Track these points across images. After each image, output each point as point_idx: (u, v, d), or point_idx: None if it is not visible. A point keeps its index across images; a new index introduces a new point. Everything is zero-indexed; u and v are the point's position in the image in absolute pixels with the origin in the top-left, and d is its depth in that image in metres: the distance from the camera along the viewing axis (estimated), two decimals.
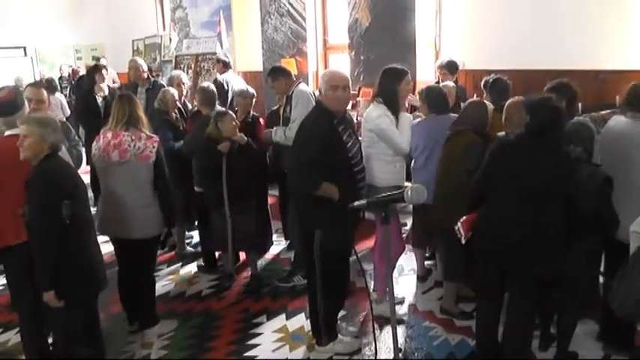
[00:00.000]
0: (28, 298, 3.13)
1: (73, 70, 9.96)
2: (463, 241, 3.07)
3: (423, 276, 4.45)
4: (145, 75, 5.90)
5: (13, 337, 3.85)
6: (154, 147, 3.50)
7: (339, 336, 3.54)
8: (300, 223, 3.45)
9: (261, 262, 4.78)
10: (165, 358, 3.57)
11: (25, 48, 11.07)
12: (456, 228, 3.09)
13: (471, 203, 3.10)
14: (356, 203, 2.28)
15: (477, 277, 3.24)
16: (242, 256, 4.85)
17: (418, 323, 3.85)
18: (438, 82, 5.17)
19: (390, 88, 3.67)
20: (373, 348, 3.50)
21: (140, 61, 6.04)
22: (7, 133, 3.12)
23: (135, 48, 10.41)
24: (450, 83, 5.04)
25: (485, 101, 3.90)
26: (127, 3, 10.76)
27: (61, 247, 2.75)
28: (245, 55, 7.91)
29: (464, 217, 3.08)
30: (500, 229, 2.88)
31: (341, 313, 3.71)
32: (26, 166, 2.96)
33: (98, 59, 9.89)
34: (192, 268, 4.92)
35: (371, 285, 4.20)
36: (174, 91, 5.04)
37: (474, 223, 3.03)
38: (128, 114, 3.51)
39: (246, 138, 4.25)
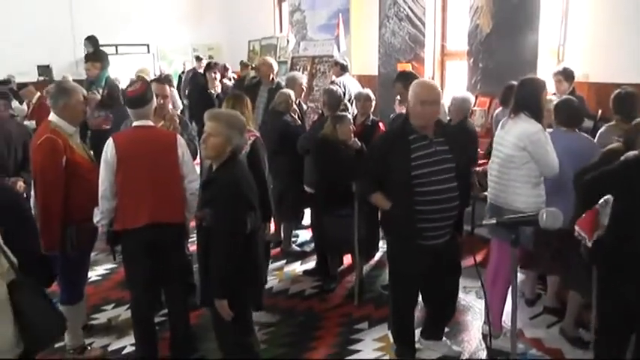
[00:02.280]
0: (140, 282, 3.35)
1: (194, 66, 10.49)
2: (589, 244, 2.81)
3: (532, 300, 4.25)
4: (272, 76, 6.11)
5: (123, 313, 4.18)
6: (249, 140, 3.62)
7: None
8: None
9: (365, 268, 4.80)
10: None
11: (148, 45, 12.04)
12: (576, 232, 2.86)
13: (583, 203, 2.89)
14: (484, 222, 2.20)
15: (604, 299, 2.92)
16: (345, 259, 4.90)
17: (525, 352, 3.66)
18: (572, 93, 4.83)
19: (535, 101, 3.38)
20: None
21: (272, 60, 6.28)
22: (135, 124, 3.38)
23: (251, 48, 10.87)
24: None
25: None
26: (245, 5, 11.29)
27: (239, 260, 2.74)
28: (361, 58, 7.97)
29: (582, 218, 2.85)
30: None
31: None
32: (157, 154, 3.22)
33: (200, 59, 10.48)
34: (295, 266, 5.07)
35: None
36: (291, 92, 5.17)
37: (594, 223, 2.78)
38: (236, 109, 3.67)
39: (360, 144, 4.30)
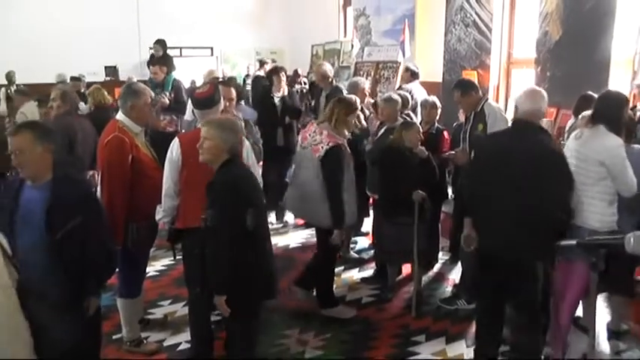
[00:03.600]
0: (198, 282, 3.37)
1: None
2: None
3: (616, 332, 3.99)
4: (330, 80, 6.16)
5: (179, 309, 4.27)
6: (327, 145, 3.76)
7: None
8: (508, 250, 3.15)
9: (424, 279, 4.73)
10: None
11: (212, 48, 12.34)
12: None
13: None
14: (562, 242, 2.08)
15: None
16: (405, 269, 4.83)
17: None
18: (634, 108, 4.59)
19: (617, 115, 3.25)
20: None
21: (328, 66, 6.36)
22: (200, 125, 3.41)
23: (314, 53, 10.93)
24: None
25: None
26: (309, 10, 11.38)
27: (241, 256, 2.84)
28: (425, 65, 7.86)
29: None
30: None
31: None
32: None
33: (263, 63, 10.58)
34: (353, 273, 5.04)
35: None
36: (355, 97, 5.14)
37: None
38: (334, 114, 3.94)
39: (426, 153, 4.26)
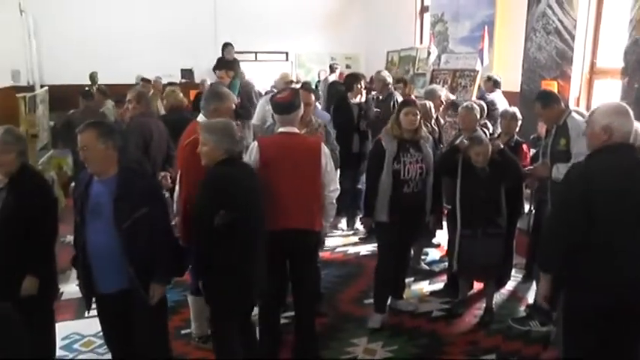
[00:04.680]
0: (271, 283, 3.47)
1: (340, 74, 10.76)
2: None
3: None
4: (388, 87, 6.32)
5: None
6: None
7: None
8: None
9: (496, 296, 4.64)
10: None
11: (287, 53, 12.56)
12: None
13: None
14: None
15: None
16: (475, 284, 4.77)
17: None
18: None
19: None
20: None
21: (386, 73, 6.54)
22: (280, 129, 3.55)
23: (389, 59, 10.92)
24: None
25: None
26: (386, 16, 11.37)
27: (214, 252, 2.97)
28: (503, 74, 7.69)
29: None
30: None
31: None
32: (301, 161, 3.38)
33: (334, 68, 10.66)
34: (423, 285, 5.03)
35: None
36: (430, 104, 5.16)
37: None
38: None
39: (501, 145, 4.19)
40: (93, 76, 9.98)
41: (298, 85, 5.48)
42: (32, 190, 3.20)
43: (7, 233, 3.09)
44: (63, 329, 3.97)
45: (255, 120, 5.76)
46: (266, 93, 7.46)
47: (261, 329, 3.62)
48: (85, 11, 10.79)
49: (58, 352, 3.68)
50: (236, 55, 9.77)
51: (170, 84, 8.73)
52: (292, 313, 3.86)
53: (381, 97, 6.42)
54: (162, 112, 6.92)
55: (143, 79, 9.18)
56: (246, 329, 3.35)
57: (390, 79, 6.53)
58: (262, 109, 5.61)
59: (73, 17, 10.69)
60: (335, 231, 6.28)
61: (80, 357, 3.86)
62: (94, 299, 3.08)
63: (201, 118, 3.63)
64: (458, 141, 4.28)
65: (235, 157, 3.13)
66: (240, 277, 3.06)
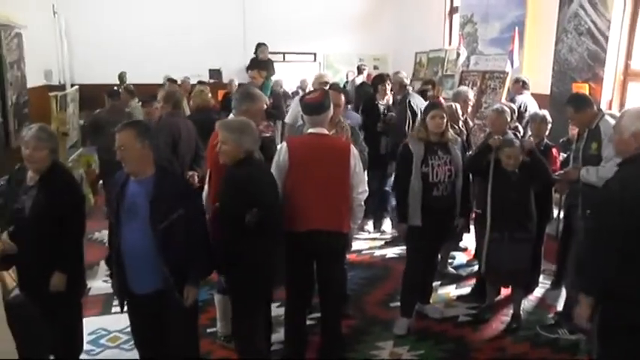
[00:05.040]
0: (297, 284, 3.51)
1: (368, 75, 10.75)
2: None
3: None
4: (405, 88, 6.32)
5: (274, 309, 4.14)
6: None
7: None
8: None
9: (524, 302, 4.56)
10: None
11: (315, 54, 12.55)
12: None
13: None
14: None
15: None
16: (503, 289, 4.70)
17: None
18: None
19: None
20: None
21: (404, 74, 6.58)
22: (310, 130, 3.55)
23: (417, 60, 10.85)
24: None
25: None
26: (415, 16, 11.32)
27: (244, 250, 3.01)
28: (532, 76, 7.58)
29: None
30: None
31: None
32: (330, 162, 3.38)
33: (361, 69, 10.61)
34: (450, 289, 4.99)
35: None
36: (456, 106, 5.12)
37: None
38: None
39: (533, 145, 4.15)
40: (122, 76, 10.14)
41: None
42: (62, 188, 3.26)
43: (37, 230, 3.15)
44: (90, 324, 4.03)
45: (287, 119, 5.77)
46: (293, 94, 7.46)
47: (287, 330, 3.63)
48: (115, 13, 10.96)
49: (85, 347, 3.74)
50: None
51: (200, 83, 8.84)
52: (318, 315, 3.85)
53: (399, 98, 6.39)
54: (188, 112, 6.96)
55: (169, 80, 9.27)
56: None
57: (407, 81, 6.49)
58: (295, 108, 5.62)
59: (103, 19, 10.87)
60: (361, 233, 6.26)
61: (106, 352, 3.91)
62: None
63: (232, 118, 3.64)
64: (490, 141, 4.20)
65: (253, 156, 3.17)
66: (267, 273, 3.12)
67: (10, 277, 3.65)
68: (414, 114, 5.85)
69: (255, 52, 8.24)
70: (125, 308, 3.09)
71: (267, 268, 3.12)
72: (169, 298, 2.89)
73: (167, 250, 2.83)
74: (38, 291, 3.24)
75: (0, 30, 6.19)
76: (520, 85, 6.65)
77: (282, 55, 11.61)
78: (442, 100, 5.40)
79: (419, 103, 6.00)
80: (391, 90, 6.24)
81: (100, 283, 4.96)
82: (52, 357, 3.50)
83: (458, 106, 5.33)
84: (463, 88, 6.20)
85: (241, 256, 3.04)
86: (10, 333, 2.38)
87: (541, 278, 4.86)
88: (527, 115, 6.03)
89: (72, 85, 9.99)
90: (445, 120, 4.01)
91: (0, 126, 6.13)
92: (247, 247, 3.01)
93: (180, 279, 2.90)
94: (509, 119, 4.57)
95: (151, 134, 2.96)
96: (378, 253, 5.86)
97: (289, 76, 9.81)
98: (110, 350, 3.93)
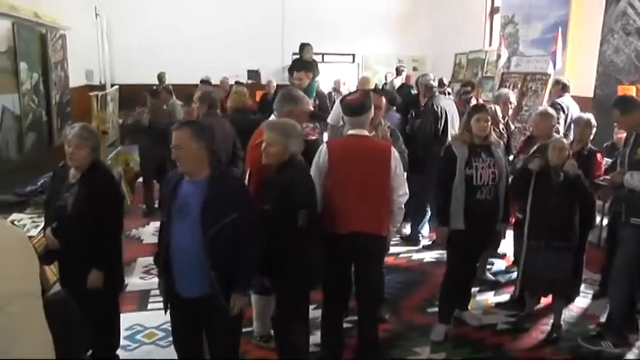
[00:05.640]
0: (335, 286, 3.49)
1: (407, 77, 10.70)
2: None
3: None
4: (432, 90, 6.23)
5: (311, 311, 4.16)
6: None
7: None
8: None
9: (565, 312, 4.43)
10: None
11: (353, 55, 12.59)
12: None
13: None
14: None
15: None
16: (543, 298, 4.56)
17: None
18: None
19: None
20: None
21: (431, 76, 6.52)
22: (350, 132, 3.52)
23: (457, 62, 10.74)
24: None
25: None
26: (455, 17, 11.21)
27: (293, 251, 3.05)
28: (575, 77, 7.39)
29: None
30: None
31: None
32: (370, 164, 3.35)
33: (400, 71, 10.51)
34: (488, 296, 4.89)
35: None
36: (496, 108, 5.04)
37: None
38: None
39: (579, 172, 3.97)
40: (161, 76, 10.31)
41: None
42: (102, 186, 3.32)
43: (78, 227, 3.21)
44: (126, 320, 4.08)
45: (329, 119, 5.73)
46: (328, 95, 7.44)
47: (324, 332, 3.62)
48: (154, 14, 11.20)
49: (122, 342, 3.80)
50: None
51: (237, 84, 8.92)
52: (354, 318, 3.82)
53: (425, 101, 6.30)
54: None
55: (202, 81, 9.38)
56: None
57: (433, 83, 6.42)
58: (337, 109, 5.59)
59: (143, 20, 11.11)
60: (399, 236, 6.20)
61: (142, 348, 3.95)
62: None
63: (273, 119, 3.64)
64: (530, 165, 4.09)
65: (296, 158, 3.18)
66: (310, 274, 3.17)
67: (52, 271, 3.74)
68: (435, 117, 5.78)
69: (300, 53, 8.16)
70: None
71: (310, 270, 3.14)
72: (215, 304, 2.82)
73: (216, 255, 2.76)
74: (77, 286, 3.31)
75: (46, 31, 6.37)
76: (560, 87, 6.47)
77: (321, 56, 11.64)
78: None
79: (444, 105, 5.91)
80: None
81: (137, 280, 5.04)
82: (89, 352, 3.58)
83: (498, 108, 5.24)
84: (504, 90, 6.08)
85: (287, 258, 3.04)
86: (48, 328, 2.42)
87: (583, 287, 4.71)
88: (568, 118, 5.88)
89: (112, 85, 10.20)
90: (489, 123, 3.95)
91: (44, 124, 6.30)
92: (293, 248, 3.04)
93: (226, 285, 2.83)
94: (554, 123, 4.46)
95: (207, 135, 2.89)
96: (415, 257, 5.79)
97: (327, 77, 9.80)
98: (146, 346, 3.98)
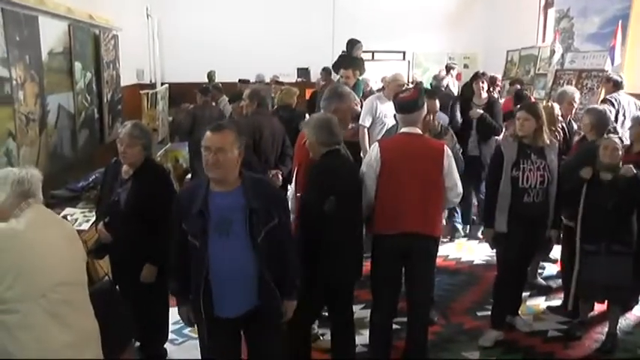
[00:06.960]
0: (385, 287, 3.48)
1: (458, 74, 10.51)
2: None
3: None
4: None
5: (357, 311, 4.11)
6: None
7: None
8: None
9: (621, 321, 4.27)
10: None
11: (404, 53, 12.51)
12: None
13: None
14: None
15: None
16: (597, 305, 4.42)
17: None
18: None
19: None
20: None
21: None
22: (402, 130, 3.49)
23: (509, 59, 10.52)
24: None
25: None
26: (507, 13, 10.98)
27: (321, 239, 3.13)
28: (633, 74, 7.08)
29: None
30: None
31: None
32: (423, 163, 3.32)
33: (450, 68, 10.31)
34: (539, 301, 4.77)
35: None
36: (554, 106, 4.92)
37: None
38: None
39: (634, 171, 3.82)
40: (210, 75, 10.52)
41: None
42: (155, 183, 3.41)
43: (130, 222, 3.31)
44: (175, 314, 4.16)
45: (361, 121, 5.48)
46: (370, 92, 7.31)
47: (372, 332, 3.59)
48: (204, 14, 11.41)
49: (170, 336, 3.91)
50: None
51: (277, 83, 9.04)
52: (403, 319, 3.76)
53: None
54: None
55: (240, 81, 9.49)
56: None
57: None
58: (370, 108, 5.46)
59: (192, 20, 11.35)
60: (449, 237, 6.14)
61: (189, 342, 4.02)
62: None
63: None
64: (582, 173, 3.96)
65: (335, 150, 3.25)
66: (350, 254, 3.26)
67: (100, 266, 3.86)
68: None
69: (348, 49, 8.02)
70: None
71: (331, 259, 3.17)
72: (264, 314, 2.73)
73: (268, 264, 2.65)
74: (129, 280, 3.42)
75: (100, 32, 6.57)
76: (611, 85, 6.13)
77: (371, 54, 11.60)
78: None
79: None
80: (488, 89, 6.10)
81: None
82: (137, 343, 3.68)
83: (556, 106, 5.07)
84: (570, 88, 5.80)
85: (318, 246, 3.13)
86: (93, 315, 2.51)
87: None
88: (620, 115, 5.66)
89: (162, 84, 10.46)
90: (531, 123, 3.83)
91: (96, 122, 6.50)
92: (324, 235, 3.12)
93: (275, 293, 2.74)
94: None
95: (242, 139, 2.74)
96: (465, 258, 5.71)
97: (376, 75, 9.72)
98: (193, 341, 4.03)
